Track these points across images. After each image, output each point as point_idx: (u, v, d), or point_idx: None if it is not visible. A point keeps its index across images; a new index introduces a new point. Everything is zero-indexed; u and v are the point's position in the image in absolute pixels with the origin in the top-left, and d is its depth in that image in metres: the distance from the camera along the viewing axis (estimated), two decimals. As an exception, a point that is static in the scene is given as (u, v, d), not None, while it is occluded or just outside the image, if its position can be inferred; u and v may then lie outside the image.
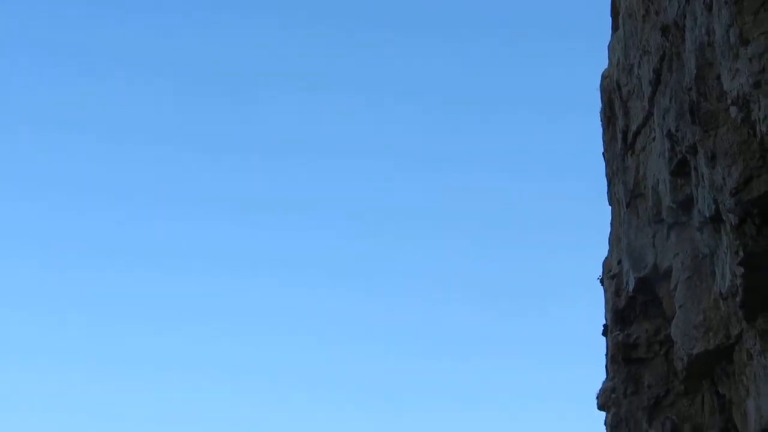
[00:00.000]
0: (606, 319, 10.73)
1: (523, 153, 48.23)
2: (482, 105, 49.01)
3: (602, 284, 11.01)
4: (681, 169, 8.34)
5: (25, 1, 46.90)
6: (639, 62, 9.37)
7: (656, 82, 8.79)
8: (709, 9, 7.10)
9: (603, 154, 11.28)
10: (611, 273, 10.63)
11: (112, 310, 47.46)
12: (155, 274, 47.33)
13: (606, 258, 11.09)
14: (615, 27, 10.88)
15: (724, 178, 6.94)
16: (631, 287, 9.86)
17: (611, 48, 10.84)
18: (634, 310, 10.01)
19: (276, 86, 47.57)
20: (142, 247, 48.05)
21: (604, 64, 11.15)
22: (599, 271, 11.17)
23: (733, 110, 6.90)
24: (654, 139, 9.18)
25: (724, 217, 7.13)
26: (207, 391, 42.61)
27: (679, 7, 7.83)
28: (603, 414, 10.39)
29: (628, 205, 10.03)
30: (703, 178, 7.47)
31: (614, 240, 10.85)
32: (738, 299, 7.17)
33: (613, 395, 9.95)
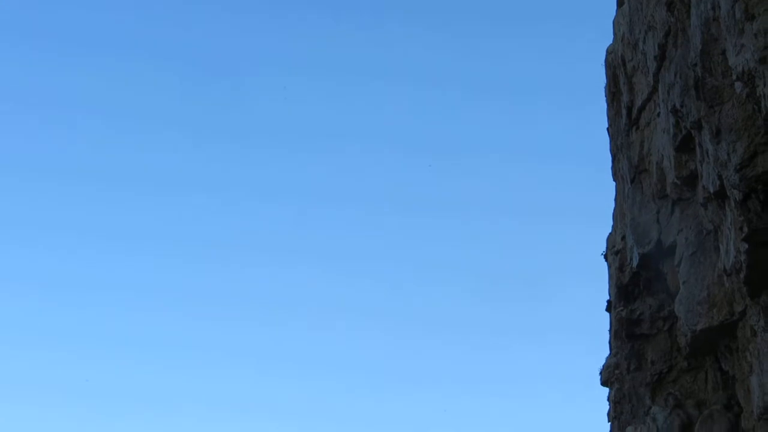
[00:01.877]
0: (609, 295, 10.72)
1: (522, 140, 48.19)
2: (477, 92, 48.94)
3: (606, 260, 10.99)
4: (685, 145, 8.32)
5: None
6: (644, 37, 9.33)
7: (661, 57, 8.75)
8: (715, -16, 7.06)
9: (607, 129, 11.25)
10: (615, 248, 10.62)
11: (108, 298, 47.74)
12: (162, 262, 47.36)
13: (610, 233, 11.08)
14: (620, 2, 10.83)
15: (728, 154, 6.92)
16: (635, 263, 9.85)
17: (616, 23, 10.80)
18: (638, 285, 10.00)
19: (278, 75, 47.48)
20: (160, 235, 48.12)
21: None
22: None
23: (738, 86, 6.87)
24: (659, 114, 9.15)
25: (728, 193, 7.11)
26: (227, 375, 42.90)
27: (685, -19, 7.78)
28: (606, 390, 10.39)
29: (632, 181, 10.01)
30: (707, 153, 7.44)
31: (618, 215, 10.82)
32: (742, 275, 7.16)
33: (617, 371, 9.96)
